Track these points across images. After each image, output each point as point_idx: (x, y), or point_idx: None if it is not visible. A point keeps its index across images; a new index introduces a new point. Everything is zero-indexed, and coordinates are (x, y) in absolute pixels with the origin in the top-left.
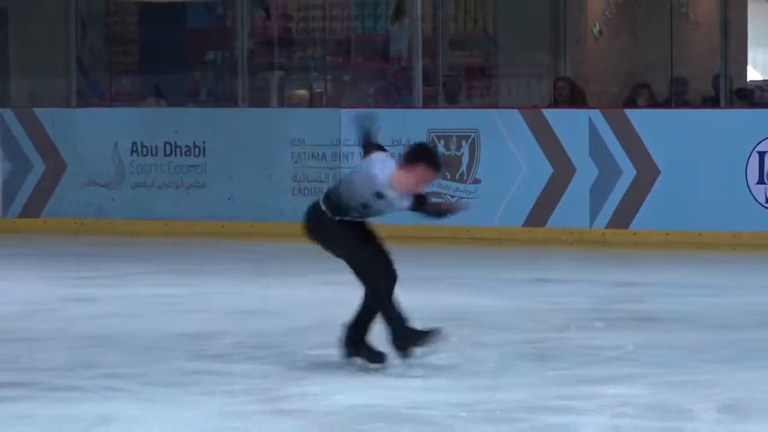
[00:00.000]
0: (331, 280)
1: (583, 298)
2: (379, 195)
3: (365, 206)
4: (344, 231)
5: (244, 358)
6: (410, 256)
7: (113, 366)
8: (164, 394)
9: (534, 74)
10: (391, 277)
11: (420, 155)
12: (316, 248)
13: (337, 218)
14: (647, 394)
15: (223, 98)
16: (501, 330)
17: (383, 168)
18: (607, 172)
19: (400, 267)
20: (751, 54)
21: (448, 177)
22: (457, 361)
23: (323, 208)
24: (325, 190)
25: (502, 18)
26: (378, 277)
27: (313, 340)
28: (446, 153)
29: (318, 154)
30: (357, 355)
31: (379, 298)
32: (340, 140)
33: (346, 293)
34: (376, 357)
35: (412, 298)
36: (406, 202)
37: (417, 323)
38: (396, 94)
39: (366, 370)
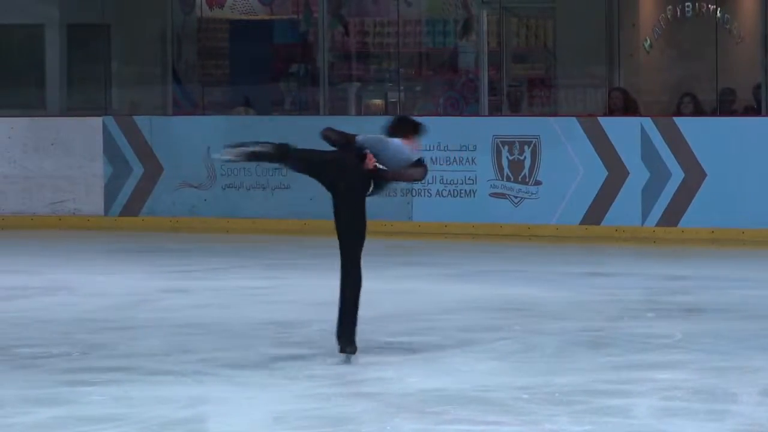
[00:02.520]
0: (405, 274)
1: (636, 291)
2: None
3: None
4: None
5: (326, 345)
6: (476, 251)
7: (206, 352)
8: (252, 378)
9: (590, 85)
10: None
11: (417, 128)
12: (388, 243)
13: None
14: (695, 379)
15: (306, 107)
16: (559, 319)
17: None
18: (658, 174)
19: (468, 261)
20: None
21: (512, 179)
22: (520, 348)
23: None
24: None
25: (560, 33)
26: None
27: (389, 328)
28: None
29: None
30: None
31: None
32: None
33: (419, 285)
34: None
35: (479, 290)
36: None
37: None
38: (464, 104)
39: (437, 357)
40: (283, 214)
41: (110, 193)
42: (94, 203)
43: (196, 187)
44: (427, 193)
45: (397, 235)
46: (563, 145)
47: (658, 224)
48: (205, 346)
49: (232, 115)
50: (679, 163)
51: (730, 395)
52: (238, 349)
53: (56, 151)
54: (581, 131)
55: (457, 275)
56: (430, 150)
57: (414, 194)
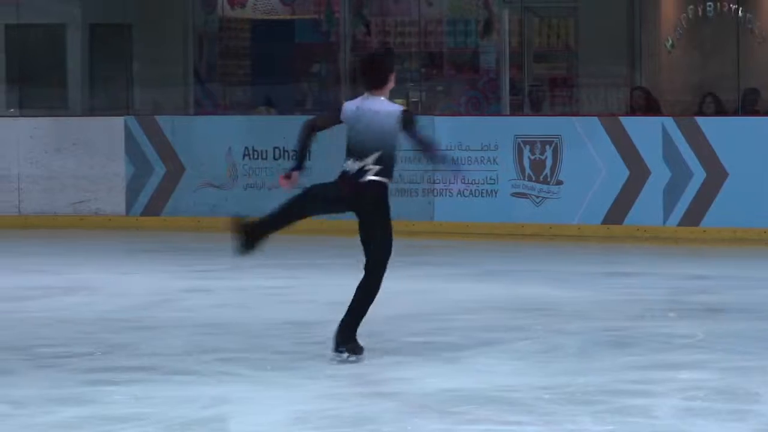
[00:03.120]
0: (426, 274)
1: (657, 290)
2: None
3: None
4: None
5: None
6: (498, 251)
7: (226, 351)
8: (272, 378)
9: (612, 85)
10: None
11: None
12: (410, 243)
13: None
14: (717, 379)
15: (328, 107)
16: (581, 319)
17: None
18: (679, 174)
19: (489, 261)
20: None
21: (534, 179)
22: (541, 348)
23: (382, 179)
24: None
25: (582, 33)
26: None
27: (409, 328)
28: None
29: (413, 158)
30: (347, 349)
31: (378, 288)
32: None
33: (440, 285)
34: (358, 350)
35: (500, 290)
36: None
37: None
38: (485, 103)
39: (458, 357)
40: None
41: (132, 192)
42: (116, 203)
43: (217, 187)
44: (448, 193)
45: (419, 235)
46: (585, 144)
47: (679, 224)
48: (227, 346)
49: (254, 115)
50: (700, 162)
51: (752, 395)
52: (259, 349)
53: (78, 151)
54: (603, 131)
55: (478, 275)
56: (451, 150)
57: (436, 194)
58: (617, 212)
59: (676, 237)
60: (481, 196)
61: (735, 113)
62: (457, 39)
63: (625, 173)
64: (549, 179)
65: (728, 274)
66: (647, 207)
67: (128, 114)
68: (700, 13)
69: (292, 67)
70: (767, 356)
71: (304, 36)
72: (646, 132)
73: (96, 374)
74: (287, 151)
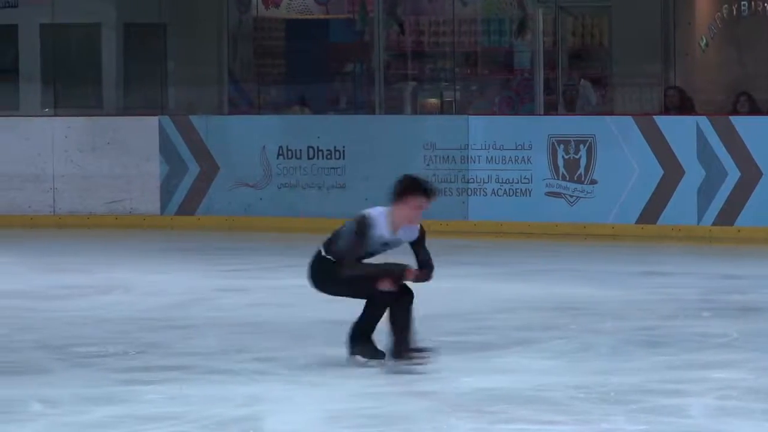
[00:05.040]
0: (460, 273)
1: (691, 290)
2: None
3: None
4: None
5: (380, 344)
6: (532, 250)
7: (261, 350)
8: (307, 377)
9: (646, 84)
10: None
11: (406, 187)
12: (444, 242)
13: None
14: (751, 378)
15: (362, 106)
16: (615, 318)
17: (373, 210)
18: (714, 173)
19: (523, 260)
20: None
21: (568, 178)
22: (575, 347)
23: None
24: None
25: (616, 32)
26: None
27: (443, 327)
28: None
29: (447, 157)
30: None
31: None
32: (468, 144)
33: (474, 284)
34: (376, 354)
35: (534, 289)
36: (412, 236)
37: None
38: (519, 103)
39: (493, 356)
40: (339, 214)
41: (166, 192)
42: (151, 202)
43: (251, 187)
44: (482, 192)
45: (453, 234)
46: (619, 144)
47: (714, 223)
48: (261, 345)
49: (288, 114)
50: (735, 162)
51: None
52: (294, 348)
53: (113, 151)
54: (637, 130)
55: (512, 274)
56: (486, 149)
57: (469, 193)
58: (651, 212)
59: (710, 236)
60: (515, 195)
61: None
62: (491, 38)
63: (659, 173)
64: (583, 179)
65: (762, 274)
66: (681, 206)
67: (163, 114)
68: (734, 12)
69: (326, 67)
70: None
71: (338, 36)
72: (681, 131)
73: (130, 373)
74: (321, 151)
